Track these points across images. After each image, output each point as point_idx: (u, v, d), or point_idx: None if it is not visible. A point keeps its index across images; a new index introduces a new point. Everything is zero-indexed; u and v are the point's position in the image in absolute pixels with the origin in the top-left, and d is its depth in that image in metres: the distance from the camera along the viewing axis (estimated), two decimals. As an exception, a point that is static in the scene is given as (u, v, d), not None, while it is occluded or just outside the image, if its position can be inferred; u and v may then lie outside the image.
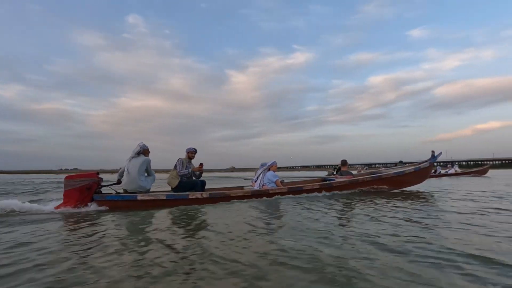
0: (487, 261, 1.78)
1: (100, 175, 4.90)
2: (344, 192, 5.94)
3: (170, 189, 5.30)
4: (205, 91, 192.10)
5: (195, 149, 5.55)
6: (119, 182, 4.94)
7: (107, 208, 4.57)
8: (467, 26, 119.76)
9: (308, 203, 4.70)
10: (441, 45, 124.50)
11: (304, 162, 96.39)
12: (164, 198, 4.75)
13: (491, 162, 28.97)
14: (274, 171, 5.90)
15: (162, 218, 3.74)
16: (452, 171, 17.72)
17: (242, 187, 6.06)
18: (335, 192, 5.89)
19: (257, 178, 5.99)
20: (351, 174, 6.75)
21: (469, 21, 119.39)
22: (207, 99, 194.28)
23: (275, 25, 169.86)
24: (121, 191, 4.87)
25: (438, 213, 3.63)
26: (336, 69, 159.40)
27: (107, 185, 4.98)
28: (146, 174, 4.85)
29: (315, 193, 5.74)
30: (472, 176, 16.30)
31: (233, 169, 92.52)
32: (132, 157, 4.78)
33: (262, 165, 5.92)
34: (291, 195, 5.51)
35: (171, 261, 1.91)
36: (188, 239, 2.56)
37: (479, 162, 51.33)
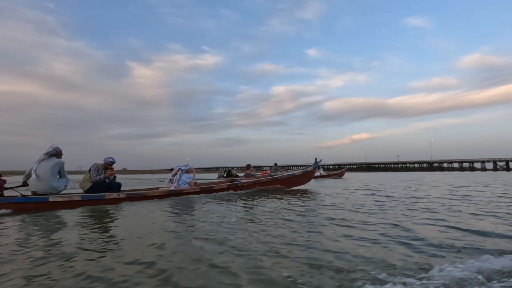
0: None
1: None
2: (248, 190, 7.06)
3: None
4: (100, 82, 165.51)
5: (113, 161, 5.50)
6: (25, 184, 4.61)
7: (11, 211, 4.24)
8: (349, 53, 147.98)
9: (217, 200, 5.55)
10: (330, 66, 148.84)
11: (209, 164, 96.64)
12: (79, 199, 4.72)
13: (348, 166, 36.04)
14: (189, 174, 6.49)
15: (73, 218, 3.73)
16: (318, 173, 20.22)
17: (157, 188, 6.39)
18: (241, 191, 6.95)
19: (170, 179, 6.48)
20: (254, 176, 7.97)
21: (351, 49, 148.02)
22: (102, 91, 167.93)
23: (184, 22, 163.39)
24: (29, 193, 4.56)
25: (317, 201, 5.11)
26: (243, 75, 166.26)
27: (12, 188, 4.56)
28: (58, 176, 4.70)
29: (224, 192, 6.64)
30: (332, 178, 19.05)
31: (124, 171, 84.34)
32: (42, 159, 4.57)
33: (178, 168, 6.42)
34: (203, 194, 6.23)
35: (72, 261, 1.92)
36: (99, 237, 2.62)
37: (341, 166, 62.79)
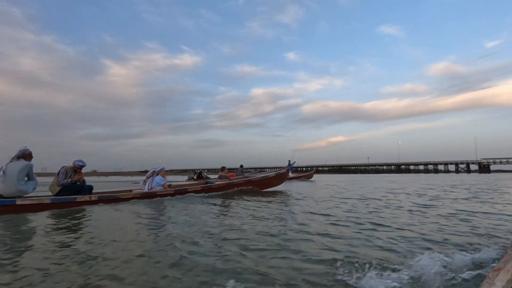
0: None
1: None
2: (222, 192, 7.22)
3: None
4: (71, 79, 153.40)
5: (82, 165, 5.40)
6: (-11, 186, 4.45)
7: None
8: (326, 58, 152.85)
9: (191, 202, 5.63)
10: (308, 69, 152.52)
11: (186, 165, 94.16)
12: (49, 202, 4.66)
13: (319, 168, 35.57)
14: (162, 176, 6.53)
15: (42, 221, 3.68)
16: None
17: (131, 190, 6.36)
18: (215, 192, 7.09)
19: (144, 181, 6.50)
20: (228, 178, 8.14)
21: (328, 54, 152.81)
22: (73, 88, 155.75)
23: (162, 20, 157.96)
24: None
25: (288, 200, 5.39)
26: (223, 76, 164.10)
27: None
28: (27, 179, 4.61)
29: (198, 194, 6.75)
30: (301, 180, 18.89)
31: (94, 173, 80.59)
32: (10, 162, 4.47)
33: (152, 170, 6.45)
34: (177, 196, 6.30)
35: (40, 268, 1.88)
36: (69, 242, 2.58)
37: (311, 168, 63.49)
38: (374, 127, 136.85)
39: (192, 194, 6.64)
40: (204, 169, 26.84)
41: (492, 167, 62.83)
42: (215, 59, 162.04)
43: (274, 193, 7.61)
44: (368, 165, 77.76)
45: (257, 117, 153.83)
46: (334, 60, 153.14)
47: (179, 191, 6.46)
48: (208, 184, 7.28)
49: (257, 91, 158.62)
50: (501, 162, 62.39)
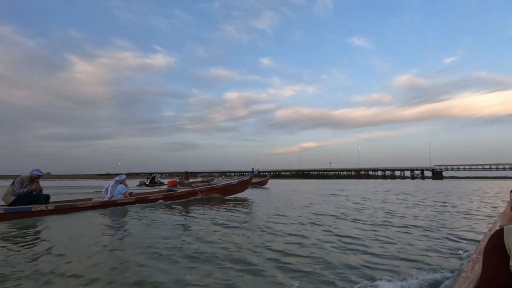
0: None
1: None
2: (184, 200, 7.37)
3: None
4: (30, 75, 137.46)
5: (40, 174, 5.31)
6: None
7: None
8: (300, 65, 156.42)
9: (152, 210, 5.71)
10: (282, 76, 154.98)
11: (157, 169, 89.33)
12: (2, 212, 4.55)
13: (269, 174, 34.04)
14: (125, 185, 6.54)
15: None
16: None
17: (90, 199, 6.29)
18: (177, 200, 7.22)
19: (107, 190, 6.46)
20: (190, 185, 8.31)
21: (301, 61, 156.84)
22: (32, 85, 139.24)
23: (134, 18, 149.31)
24: None
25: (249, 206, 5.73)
26: (196, 79, 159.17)
27: None
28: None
29: (160, 201, 6.84)
30: (253, 187, 17.10)
31: (48, 175, 73.92)
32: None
33: (115, 179, 6.45)
34: (137, 204, 6.34)
35: None
36: (21, 255, 2.53)
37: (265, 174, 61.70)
38: (343, 134, 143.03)
39: (154, 202, 6.71)
40: (158, 173, 25.99)
41: (445, 174, 67.58)
42: (189, 61, 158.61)
43: (235, 201, 7.92)
44: (329, 171, 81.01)
45: (231, 121, 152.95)
46: (307, 67, 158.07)
47: (140, 200, 6.51)
48: (170, 192, 7.39)
49: (231, 95, 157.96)
50: (452, 169, 67.72)
